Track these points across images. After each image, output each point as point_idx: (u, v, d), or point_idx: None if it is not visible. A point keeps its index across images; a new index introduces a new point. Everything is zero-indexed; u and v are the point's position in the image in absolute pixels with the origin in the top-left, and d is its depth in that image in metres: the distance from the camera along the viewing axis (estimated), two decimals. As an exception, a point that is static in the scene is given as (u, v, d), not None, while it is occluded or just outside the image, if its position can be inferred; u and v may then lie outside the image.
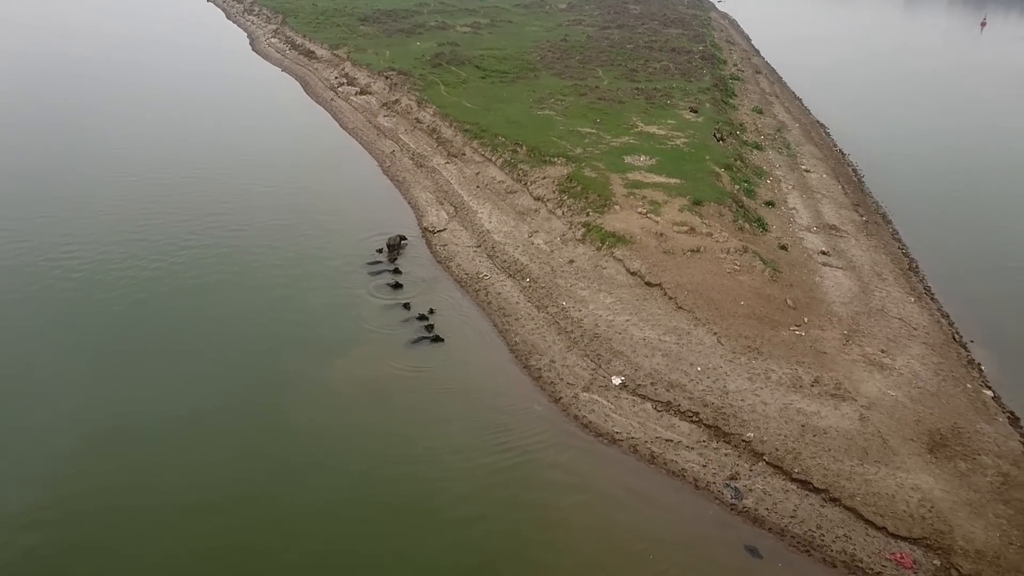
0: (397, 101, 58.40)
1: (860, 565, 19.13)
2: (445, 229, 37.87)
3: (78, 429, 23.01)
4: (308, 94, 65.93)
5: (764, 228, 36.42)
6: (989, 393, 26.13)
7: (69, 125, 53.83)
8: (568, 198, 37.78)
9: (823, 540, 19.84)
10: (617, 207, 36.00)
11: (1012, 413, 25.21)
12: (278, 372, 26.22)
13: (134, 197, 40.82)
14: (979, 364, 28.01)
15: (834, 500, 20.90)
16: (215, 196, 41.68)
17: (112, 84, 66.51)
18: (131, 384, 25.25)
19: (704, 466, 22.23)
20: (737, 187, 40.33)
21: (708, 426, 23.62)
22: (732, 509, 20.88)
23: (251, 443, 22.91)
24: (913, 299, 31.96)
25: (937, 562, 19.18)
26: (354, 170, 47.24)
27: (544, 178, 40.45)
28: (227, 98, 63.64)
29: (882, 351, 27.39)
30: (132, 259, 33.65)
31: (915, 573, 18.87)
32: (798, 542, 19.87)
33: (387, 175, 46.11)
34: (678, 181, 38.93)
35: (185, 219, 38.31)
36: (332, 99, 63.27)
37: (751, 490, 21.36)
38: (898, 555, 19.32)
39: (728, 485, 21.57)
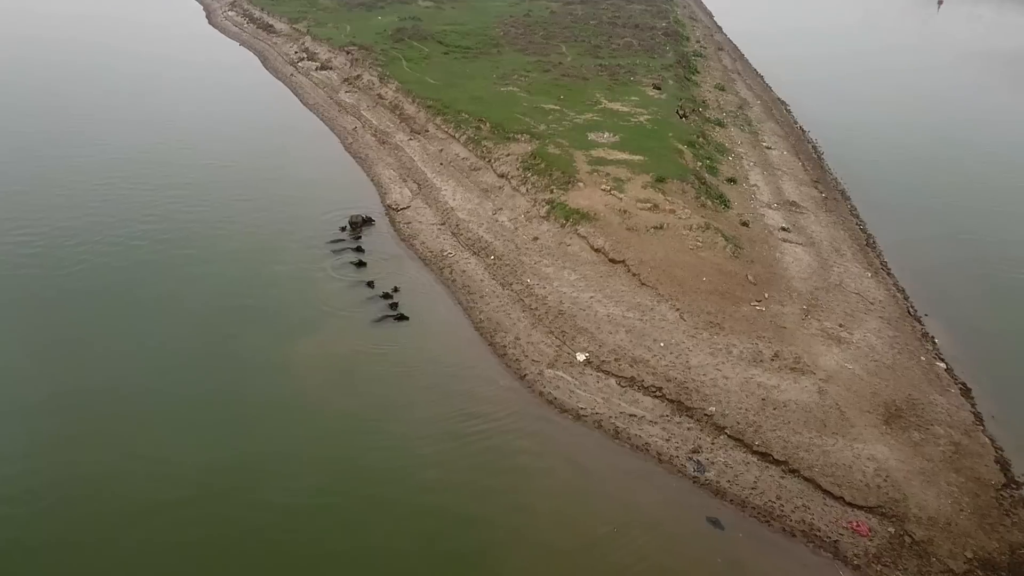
0: (359, 77, 57.62)
1: (818, 534, 19.63)
2: (409, 207, 37.63)
3: (29, 412, 22.60)
4: (267, 69, 64.74)
5: (726, 205, 36.78)
6: (942, 365, 26.83)
7: (17, 104, 52.27)
8: (532, 175, 37.74)
9: (783, 510, 20.30)
10: (581, 184, 36.06)
11: (964, 384, 25.94)
12: (239, 352, 25.95)
13: (89, 175, 39.91)
14: (933, 337, 28.72)
15: (793, 471, 21.37)
16: (173, 173, 40.89)
17: (63, 62, 64.65)
18: (85, 366, 24.83)
19: (667, 440, 22.56)
20: (699, 164, 40.62)
21: (671, 401, 23.94)
22: (695, 482, 21.24)
23: (211, 424, 22.67)
24: (870, 274, 32.59)
25: (892, 529, 19.76)
26: (316, 147, 46.62)
27: (508, 155, 40.33)
28: (183, 73, 62.21)
29: (840, 325, 27.94)
30: (87, 237, 32.99)
31: (870, 540, 19.43)
32: (759, 512, 20.30)
33: (349, 152, 45.59)
34: (641, 158, 39.09)
35: (142, 197, 37.56)
36: (292, 74, 62.21)
37: (713, 463, 21.75)
38: (854, 523, 19.85)
39: (691, 458, 21.93)
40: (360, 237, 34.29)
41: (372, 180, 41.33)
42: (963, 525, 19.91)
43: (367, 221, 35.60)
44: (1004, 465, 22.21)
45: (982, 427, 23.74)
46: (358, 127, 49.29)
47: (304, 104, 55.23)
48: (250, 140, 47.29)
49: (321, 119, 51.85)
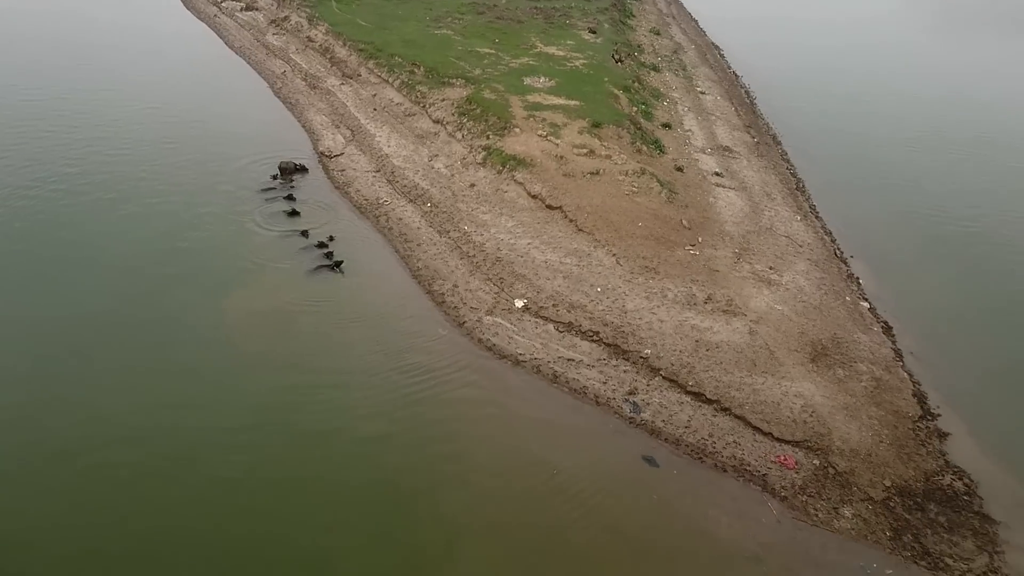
0: (286, 18, 55.59)
1: (748, 468, 20.40)
2: (342, 154, 36.82)
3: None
4: (189, 9, 61.94)
5: (661, 150, 37.05)
6: (866, 305, 27.88)
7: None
8: (468, 121, 37.27)
9: (715, 447, 21.01)
10: (517, 130, 35.79)
11: (886, 323, 27.04)
12: (167, 305, 25.18)
13: (1, 121, 37.81)
14: (857, 278, 29.76)
15: (725, 410, 22.08)
16: (92, 118, 39.06)
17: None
18: (2, 320, 23.87)
19: (604, 383, 23.00)
20: (635, 109, 40.70)
21: (608, 344, 24.34)
22: (631, 422, 21.77)
23: (141, 378, 22.09)
24: (799, 217, 33.43)
25: (816, 462, 20.68)
26: (243, 92, 45.05)
27: (443, 100, 39.69)
28: (99, 14, 58.97)
29: (770, 268, 28.69)
30: (2, 185, 31.39)
31: (797, 473, 20.31)
32: (692, 450, 20.97)
33: (279, 97, 44.19)
34: (577, 103, 38.93)
35: (60, 143, 35.84)
36: (216, 15, 59.63)
37: (648, 404, 22.30)
38: (782, 457, 20.70)
39: (627, 400, 22.43)
40: (292, 185, 33.48)
41: (303, 126, 40.24)
42: (882, 456, 20.96)
43: (299, 169, 34.73)
44: (921, 398, 23.37)
45: (902, 363, 24.86)
46: (287, 71, 47.74)
47: (229, 47, 53.13)
48: (172, 84, 45.38)
49: (248, 63, 50.02)
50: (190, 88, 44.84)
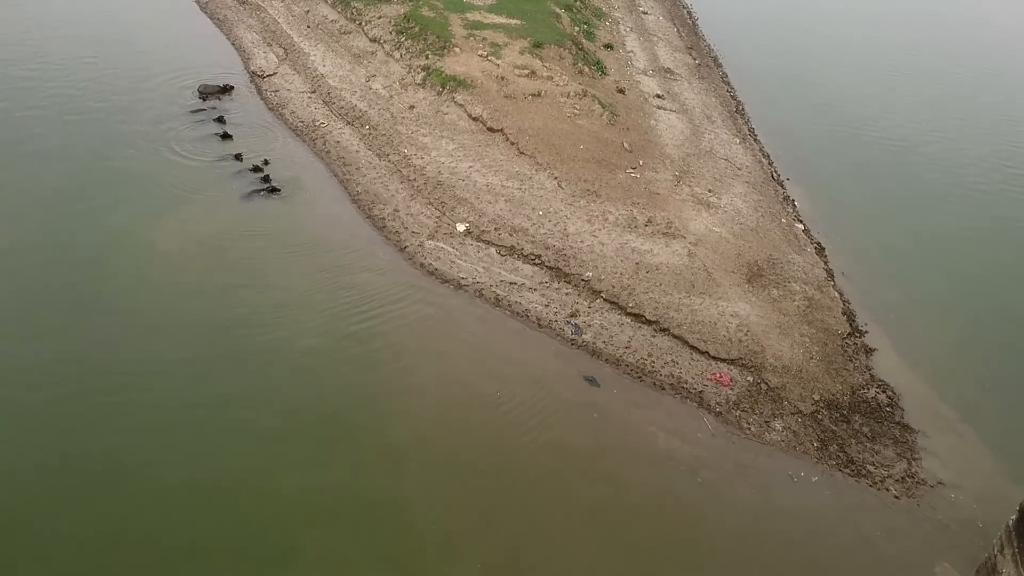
0: (211, -73, 52.40)
1: (685, 386, 21.05)
2: (275, 73, 35.42)
3: None
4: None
5: (603, 71, 36.63)
6: (800, 227, 28.53)
7: None
8: (406, 40, 36.13)
9: (654, 366, 21.56)
10: (457, 49, 34.87)
11: (819, 244, 27.77)
12: (100, 234, 24.27)
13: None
14: (793, 200, 30.35)
15: (664, 330, 22.59)
16: (4, 36, 36.62)
17: None
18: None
19: (546, 306, 23.22)
20: (577, 29, 39.98)
21: (550, 268, 24.48)
22: (572, 344, 22.12)
23: (74, 308, 21.44)
24: (739, 140, 33.71)
25: (750, 378, 21.43)
26: (167, 5, 42.58)
27: (380, 18, 38.31)
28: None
29: (709, 191, 29.01)
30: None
31: (731, 390, 21.04)
32: (632, 370, 21.48)
33: (205, 12, 41.95)
34: (518, 22, 38.01)
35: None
36: (133, -78, 55.80)
37: (590, 325, 22.64)
38: (718, 375, 21.38)
39: (569, 322, 22.72)
40: (223, 107, 32.14)
41: (233, 44, 38.41)
42: (812, 371, 21.83)
43: (225, 89, 33.27)
44: (850, 316, 24.29)
45: (833, 283, 25.70)
46: (214, -16, 45.21)
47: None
48: (90, -2, 42.66)
49: (171, -26, 47.12)
50: (107, 3, 42.22)
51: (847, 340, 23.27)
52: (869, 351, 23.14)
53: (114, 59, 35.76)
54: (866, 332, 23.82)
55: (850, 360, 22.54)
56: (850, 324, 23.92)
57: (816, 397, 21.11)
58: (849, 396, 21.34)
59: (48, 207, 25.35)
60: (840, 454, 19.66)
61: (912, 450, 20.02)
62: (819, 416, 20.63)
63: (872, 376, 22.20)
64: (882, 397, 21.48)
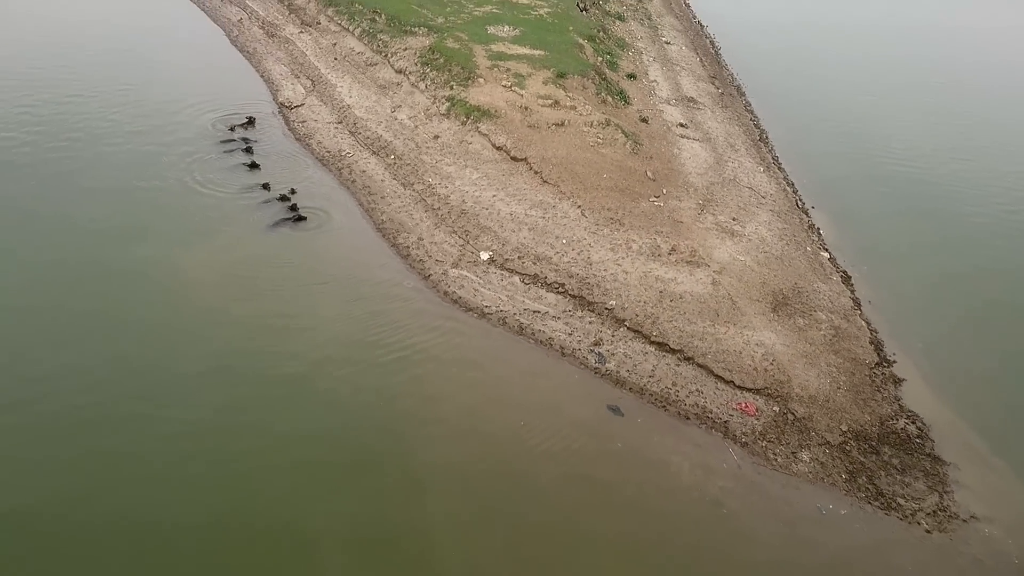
0: (241, -37, 53.75)
1: (710, 416, 20.83)
2: (303, 104, 36.05)
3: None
4: (138, -47, 59.45)
5: (626, 101, 36.85)
6: (826, 255, 28.32)
7: None
8: (431, 71, 36.64)
9: (678, 395, 21.38)
10: (481, 80, 35.29)
11: (845, 272, 27.52)
12: (129, 261, 24.70)
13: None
14: (818, 228, 30.15)
15: (688, 359, 22.43)
16: (47, 66, 37.66)
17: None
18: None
19: (570, 334, 23.17)
20: (600, 59, 40.31)
21: (573, 296, 24.47)
22: (596, 373, 22.02)
23: (100, 339, 21.71)
24: (762, 168, 33.65)
25: (776, 408, 21.17)
26: (199, 40, 43.70)
27: (405, 49, 38.92)
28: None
29: (733, 219, 28.92)
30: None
31: (757, 420, 20.79)
32: (656, 399, 21.32)
33: (236, 46, 42.94)
34: (542, 53, 38.43)
35: (10, 90, 34.59)
36: (167, -41, 57.39)
37: (613, 354, 22.54)
38: (743, 404, 21.15)
39: (592, 351, 22.65)
40: (250, 137, 32.70)
41: (262, 76, 39.23)
42: (840, 401, 21.52)
43: (250, 121, 33.87)
44: (878, 346, 23.95)
45: (860, 311, 25.40)
46: (244, 18, 46.34)
47: (183, -7, 51.31)
48: (124, 31, 43.78)
49: (202, 9, 48.46)
50: (144, 37, 43.35)
51: (875, 370, 22.94)
52: (898, 381, 22.78)
53: (147, 89, 36.65)
54: (894, 362, 23.48)
55: (878, 390, 22.21)
56: (878, 353, 23.60)
57: (844, 428, 20.80)
58: (878, 427, 21.00)
59: (81, 234, 25.87)
60: (869, 486, 19.30)
61: (944, 483, 19.61)
62: (847, 447, 20.30)
63: (901, 407, 21.83)
64: (912, 428, 21.11)
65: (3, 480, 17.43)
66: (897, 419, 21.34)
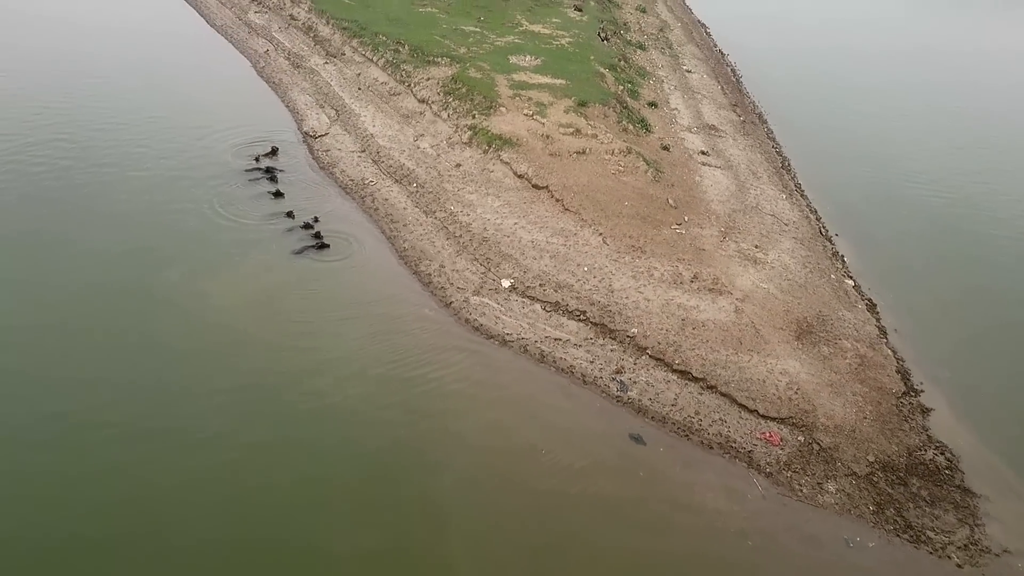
0: (268, -4, 54.85)
1: (733, 445, 20.60)
2: (327, 134, 36.52)
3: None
4: (169, -13, 60.90)
5: (647, 129, 36.97)
6: (850, 283, 28.07)
7: None
8: (453, 100, 37.02)
9: (701, 424, 21.17)
10: (503, 109, 35.60)
11: (870, 300, 27.24)
12: (155, 287, 25.01)
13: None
14: (842, 256, 29.92)
15: (711, 388, 22.23)
16: (77, 96, 38.57)
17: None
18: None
19: (591, 362, 23.08)
20: (621, 88, 40.55)
21: (595, 324, 24.40)
22: (618, 401, 21.88)
23: (128, 360, 21.94)
24: (785, 196, 33.51)
25: (801, 438, 20.89)
26: (226, 71, 44.49)
27: (428, 79, 39.39)
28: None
29: (756, 246, 28.78)
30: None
31: (782, 449, 20.52)
32: (678, 428, 21.12)
33: (262, 76, 43.67)
34: (564, 82, 38.74)
35: (44, 119, 35.43)
36: (196, -7, 58.74)
37: (635, 382, 22.41)
38: (767, 434, 20.90)
39: (614, 379, 22.53)
40: (275, 167, 33.11)
41: (287, 106, 39.82)
42: (866, 431, 21.19)
43: (274, 151, 34.30)
44: (904, 375, 23.62)
45: (886, 340, 25.09)
46: (270, 50, 47.17)
47: (211, 25, 52.40)
48: (155, 63, 44.73)
49: (230, 41, 49.37)
50: (172, 66, 44.23)
51: (902, 399, 22.60)
52: (925, 411, 22.43)
53: (176, 118, 37.36)
54: (921, 391, 23.13)
55: (905, 420, 21.86)
56: (904, 383, 23.26)
57: (871, 458, 20.46)
58: (905, 458, 20.64)
59: (110, 259, 26.29)
60: (898, 519, 18.93)
61: (974, 515, 19.19)
62: (874, 478, 19.95)
63: (929, 437, 21.46)
64: (940, 459, 20.72)
65: (27, 493, 17.59)
66: (925, 450, 20.97)
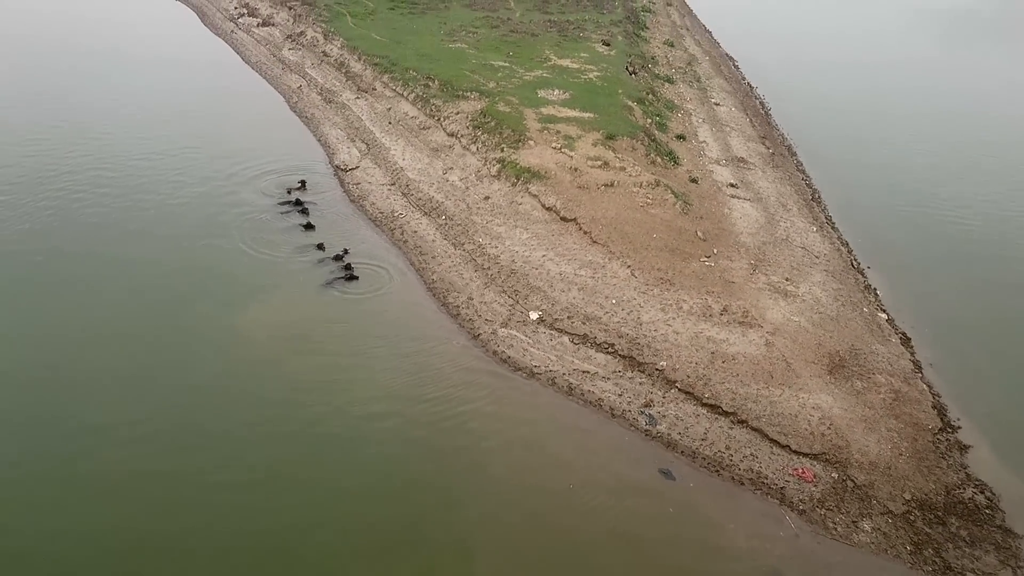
0: (302, 33, 56.11)
1: (765, 481, 20.23)
2: (358, 167, 37.04)
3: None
4: (206, 25, 62.67)
5: (675, 161, 37.00)
6: (884, 316, 27.64)
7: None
8: (482, 133, 37.40)
9: (731, 460, 20.85)
10: (531, 142, 35.88)
11: (904, 334, 26.78)
12: (188, 320, 25.40)
13: (16, 134, 38.44)
14: (875, 289, 29.51)
15: (742, 422, 21.92)
16: (114, 131, 39.61)
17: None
18: (23, 340, 24.09)
19: (620, 395, 22.90)
20: (649, 121, 40.70)
21: (623, 356, 24.25)
22: (647, 435, 21.65)
23: (159, 393, 22.23)
24: (815, 228, 33.24)
25: (835, 475, 20.46)
26: (260, 106, 45.47)
27: (457, 113, 39.86)
28: (117, 32, 59.82)
29: (786, 279, 28.51)
30: (20, 209, 31.86)
31: (815, 486, 20.11)
32: (709, 463, 20.81)
33: (295, 111, 44.56)
34: (592, 115, 38.98)
35: (78, 154, 36.48)
36: (232, 31, 60.30)
37: (664, 416, 22.17)
38: (800, 470, 20.50)
39: (643, 412, 22.32)
40: (306, 200, 33.60)
41: (319, 140, 40.56)
42: (902, 469, 20.71)
43: (303, 184, 34.78)
44: (941, 410, 23.11)
45: (921, 374, 24.60)
46: (303, 85, 48.14)
47: (246, 62, 53.69)
48: (191, 99, 45.88)
49: (264, 77, 50.51)
50: (209, 103, 45.31)
51: (939, 436, 22.08)
52: (963, 448, 21.87)
53: (209, 151, 38.24)
54: (959, 427, 22.59)
55: (943, 457, 21.33)
56: (941, 419, 22.74)
57: (907, 496, 19.96)
58: (944, 496, 20.10)
59: (142, 291, 26.81)
60: (936, 559, 18.39)
61: (1016, 557, 18.58)
62: (911, 517, 19.44)
63: (968, 475, 20.90)
64: (980, 498, 20.16)
65: (52, 525, 17.76)
66: (964, 488, 20.42)
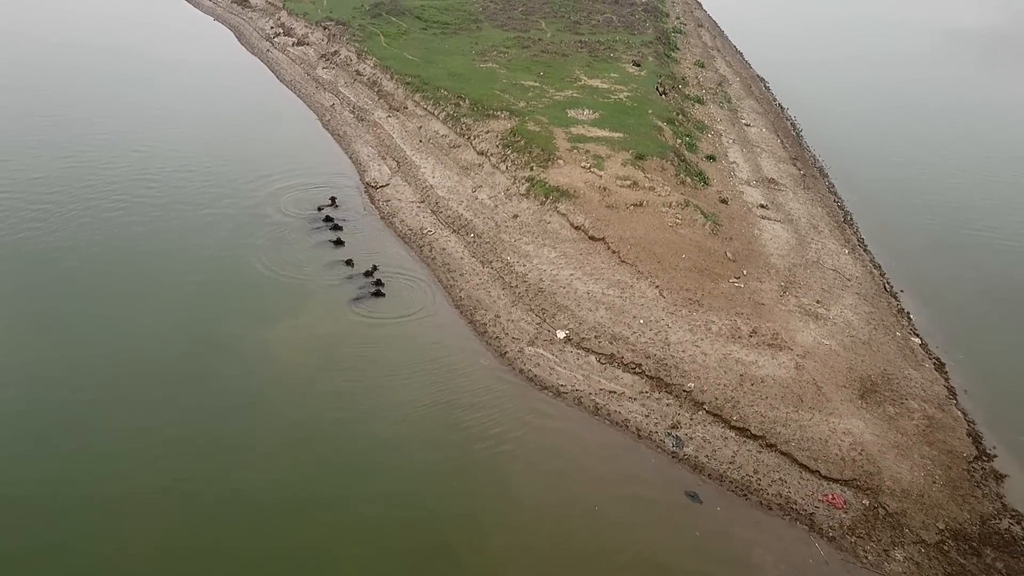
0: (336, 53, 56.92)
1: (794, 507, 19.90)
2: (388, 184, 37.36)
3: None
4: (243, 45, 63.84)
5: (705, 182, 36.84)
6: (917, 341, 27.17)
7: None
8: (512, 152, 37.57)
9: (760, 484, 20.55)
10: (561, 161, 35.96)
11: (938, 359, 26.29)
12: (219, 336, 25.67)
13: (52, 150, 39.40)
14: (908, 313, 29.04)
15: (770, 446, 21.62)
16: (150, 148, 40.45)
17: (27, 36, 63.38)
18: (62, 353, 24.49)
19: (646, 416, 22.72)
20: (679, 141, 40.62)
21: (650, 377, 24.08)
22: (673, 457, 21.43)
23: (188, 409, 22.45)
24: (847, 251, 32.85)
25: (866, 502, 20.08)
26: (293, 124, 46.17)
27: (487, 132, 40.11)
28: (157, 51, 61.14)
29: (817, 302, 28.18)
30: (54, 227, 32.58)
31: (845, 513, 19.74)
32: (736, 486, 20.54)
33: (327, 129, 45.14)
34: (621, 135, 39.00)
35: (114, 173, 37.21)
36: (268, 50, 61.36)
37: (691, 438, 21.94)
38: (830, 496, 20.15)
39: (669, 434, 22.11)
40: (336, 216, 33.95)
41: (350, 157, 41.01)
42: (935, 497, 20.26)
43: (333, 201, 35.17)
44: (976, 438, 22.61)
45: (955, 401, 24.12)
46: (336, 104, 48.78)
47: (281, 80, 54.56)
48: (227, 116, 46.70)
49: (298, 96, 51.28)
50: (244, 121, 46.10)
51: (974, 464, 21.59)
52: (999, 477, 21.35)
53: (245, 168, 38.86)
54: (995, 456, 22.08)
55: (978, 486, 20.84)
56: (976, 447, 22.24)
57: (941, 526, 19.51)
58: (978, 526, 19.62)
59: (176, 306, 27.18)
60: (971, 591, 17.94)
61: (1055, 591, 18.07)
62: (945, 547, 18.99)
63: (1004, 505, 20.39)
64: (1016, 529, 19.64)
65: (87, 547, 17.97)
66: (1000, 518, 19.92)
